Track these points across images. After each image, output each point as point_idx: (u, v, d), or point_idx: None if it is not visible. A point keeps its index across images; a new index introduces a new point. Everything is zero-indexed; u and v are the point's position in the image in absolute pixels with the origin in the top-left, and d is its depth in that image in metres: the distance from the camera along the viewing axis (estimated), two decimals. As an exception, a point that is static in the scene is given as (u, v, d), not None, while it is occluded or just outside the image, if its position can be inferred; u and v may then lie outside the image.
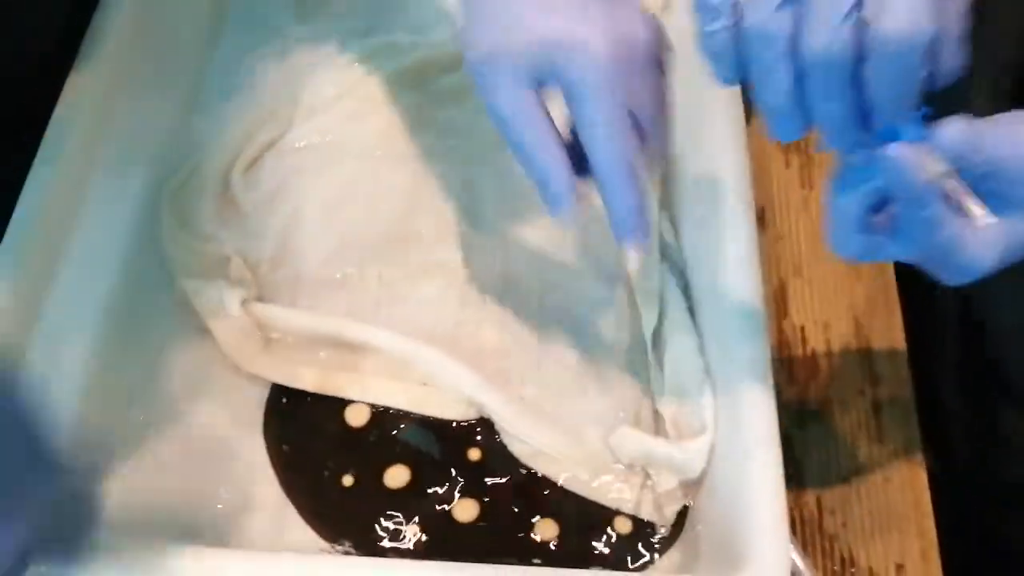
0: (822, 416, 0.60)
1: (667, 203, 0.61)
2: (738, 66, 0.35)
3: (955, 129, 0.34)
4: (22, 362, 0.49)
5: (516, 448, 0.53)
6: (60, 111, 0.55)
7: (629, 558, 0.50)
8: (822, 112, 0.34)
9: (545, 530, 0.51)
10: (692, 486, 0.52)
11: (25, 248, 0.51)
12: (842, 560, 0.55)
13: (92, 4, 0.59)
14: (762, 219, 0.64)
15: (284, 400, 0.55)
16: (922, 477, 0.58)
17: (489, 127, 0.62)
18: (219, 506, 0.51)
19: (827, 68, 0.33)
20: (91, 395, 0.52)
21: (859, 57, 0.32)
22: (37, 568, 0.39)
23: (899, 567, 0.55)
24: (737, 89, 0.56)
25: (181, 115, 0.63)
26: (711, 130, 0.57)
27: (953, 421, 0.64)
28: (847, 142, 0.35)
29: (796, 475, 0.48)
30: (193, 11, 0.68)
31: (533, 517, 0.51)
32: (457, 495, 0.51)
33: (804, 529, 0.45)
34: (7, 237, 0.51)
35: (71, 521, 0.48)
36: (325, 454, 0.52)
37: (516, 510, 0.51)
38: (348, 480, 0.52)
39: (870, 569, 0.55)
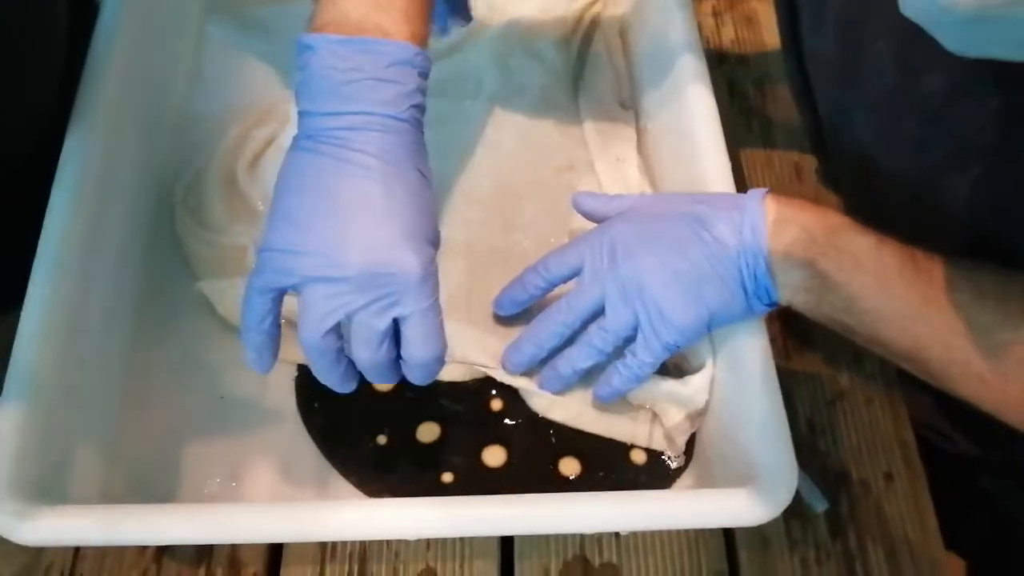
0: (805, 348, 0.65)
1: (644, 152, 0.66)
2: None
3: None
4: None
5: (533, 402, 0.57)
6: (70, 141, 0.56)
7: (648, 484, 0.55)
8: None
9: (568, 467, 0.55)
10: (698, 417, 0.57)
11: (59, 263, 0.53)
12: (836, 475, 0.61)
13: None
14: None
15: (313, 377, 0.58)
16: (898, 394, 0.64)
17: (477, 117, 0.67)
18: (263, 476, 0.55)
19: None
20: (127, 389, 0.56)
21: None
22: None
23: (887, 476, 0.61)
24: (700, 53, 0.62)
25: (179, 120, 0.66)
26: (679, 86, 0.63)
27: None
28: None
29: (787, 403, 0.53)
30: (183, 11, 0.71)
31: (556, 456, 0.56)
32: (485, 443, 0.56)
33: (800, 451, 0.50)
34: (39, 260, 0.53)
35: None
36: (358, 419, 0.56)
37: (540, 451, 0.56)
38: (383, 440, 0.56)
39: (861, 480, 0.61)
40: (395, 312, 0.46)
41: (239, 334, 0.49)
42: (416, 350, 0.47)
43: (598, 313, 0.54)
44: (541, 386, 0.56)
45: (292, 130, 0.65)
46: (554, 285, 0.56)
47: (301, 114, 0.47)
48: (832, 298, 0.49)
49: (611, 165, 0.65)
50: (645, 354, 0.52)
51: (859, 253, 0.48)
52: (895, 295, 0.47)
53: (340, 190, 0.45)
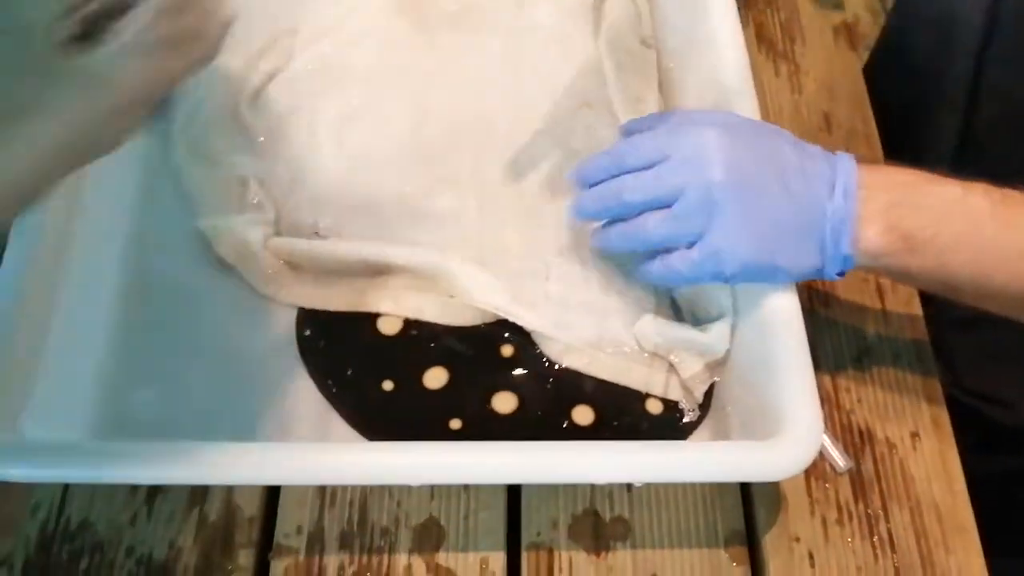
0: (830, 301, 0.63)
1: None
2: None
3: None
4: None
5: (546, 347, 0.55)
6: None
7: (663, 436, 0.53)
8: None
9: (582, 415, 0.53)
10: (717, 367, 0.54)
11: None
12: (860, 433, 0.58)
13: None
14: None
15: (315, 318, 0.56)
16: (928, 350, 0.61)
17: (492, 52, 0.64)
18: (263, 420, 0.53)
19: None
20: (121, 327, 0.53)
21: None
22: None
23: (913, 435, 0.58)
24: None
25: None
26: (707, 28, 0.60)
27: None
28: None
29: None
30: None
31: (569, 404, 0.53)
32: (496, 389, 0.53)
33: (822, 407, 0.48)
34: None
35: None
36: (363, 363, 0.54)
37: (553, 399, 0.53)
38: (388, 385, 0.53)
39: (887, 439, 0.58)
40: None
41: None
42: None
43: (664, 204, 0.48)
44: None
45: (297, 63, 0.64)
46: (625, 171, 0.50)
47: None
48: (921, 260, 0.46)
49: (630, 104, 0.62)
50: (698, 258, 0.48)
51: (944, 206, 0.45)
52: (990, 238, 0.44)
53: None
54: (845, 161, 0.48)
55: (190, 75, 0.38)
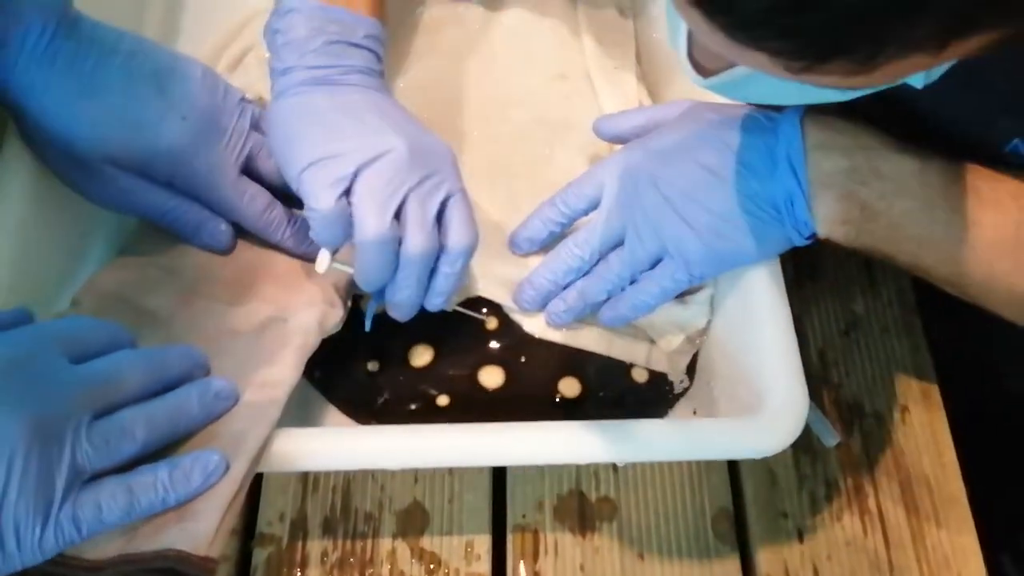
0: (817, 274, 0.62)
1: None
2: None
3: None
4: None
5: (528, 325, 0.54)
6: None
7: (652, 402, 0.53)
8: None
9: (569, 387, 0.52)
10: (699, 336, 0.53)
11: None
12: (849, 407, 0.57)
13: None
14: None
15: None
16: (917, 323, 0.60)
17: (470, 22, 0.63)
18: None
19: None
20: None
21: None
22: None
23: (903, 408, 0.58)
24: None
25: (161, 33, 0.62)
26: None
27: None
28: None
29: (798, 332, 0.49)
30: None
31: (556, 376, 0.52)
32: (482, 364, 0.52)
33: (811, 383, 0.47)
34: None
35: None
36: (347, 345, 0.52)
37: (539, 372, 0.52)
38: (373, 366, 0.52)
39: (876, 413, 0.57)
40: (443, 191, 0.47)
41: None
42: (460, 233, 0.47)
43: (617, 245, 0.51)
44: (549, 320, 0.53)
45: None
46: (573, 220, 0.53)
47: (284, 70, 0.49)
48: (873, 227, 0.45)
49: (607, 73, 0.60)
50: (668, 282, 0.49)
51: (902, 178, 0.44)
52: (938, 220, 0.44)
53: (352, 104, 0.48)
54: (788, 122, 0.47)
55: None
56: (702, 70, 0.37)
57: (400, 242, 0.46)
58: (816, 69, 0.29)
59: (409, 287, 0.47)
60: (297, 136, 0.47)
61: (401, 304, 0.48)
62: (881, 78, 0.29)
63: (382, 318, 0.51)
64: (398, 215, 0.45)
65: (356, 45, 0.49)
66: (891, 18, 0.26)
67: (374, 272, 0.46)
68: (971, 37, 0.28)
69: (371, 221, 0.45)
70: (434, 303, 0.49)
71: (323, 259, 0.48)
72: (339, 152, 0.45)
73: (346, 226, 0.45)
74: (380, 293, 0.49)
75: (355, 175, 0.45)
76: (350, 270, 0.48)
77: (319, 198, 0.45)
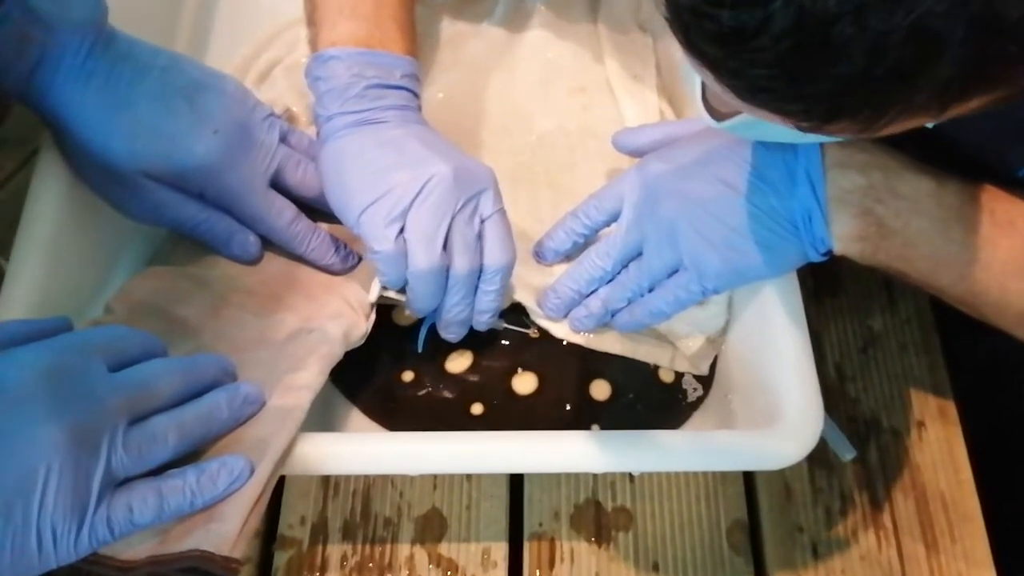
0: (836, 290, 0.62)
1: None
2: None
3: None
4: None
5: (555, 330, 0.55)
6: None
7: (682, 403, 0.54)
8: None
9: (599, 390, 0.53)
10: (719, 338, 0.54)
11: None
12: (865, 423, 0.58)
13: None
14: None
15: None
16: (935, 340, 0.60)
17: (492, 36, 0.63)
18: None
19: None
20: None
21: None
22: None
23: (919, 424, 0.58)
24: None
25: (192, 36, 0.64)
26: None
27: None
28: None
29: (816, 347, 0.50)
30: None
31: (586, 380, 0.53)
32: (516, 371, 0.54)
33: (828, 397, 0.47)
34: None
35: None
36: (381, 355, 0.54)
37: (570, 376, 0.54)
38: (408, 376, 0.53)
39: (892, 429, 0.58)
40: (482, 212, 0.49)
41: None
42: (495, 252, 0.49)
43: (637, 255, 0.52)
44: (573, 326, 0.54)
45: (301, 51, 0.64)
46: (595, 231, 0.54)
47: (328, 117, 0.51)
48: (888, 245, 0.45)
49: (628, 84, 0.61)
50: (683, 293, 0.50)
51: (918, 197, 0.45)
52: (953, 240, 0.44)
53: (395, 138, 0.50)
54: (807, 145, 0.47)
55: None
56: (716, 113, 0.39)
57: (448, 268, 0.48)
58: (824, 129, 0.30)
59: (458, 308, 0.50)
60: (349, 180, 0.49)
61: (451, 323, 0.50)
62: (889, 132, 0.31)
63: (415, 329, 0.53)
64: (445, 243, 0.48)
65: (394, 87, 0.51)
66: (888, 88, 0.28)
67: (426, 300, 0.49)
68: (970, 100, 0.29)
69: (422, 256, 0.47)
70: (480, 322, 0.51)
71: (375, 289, 0.50)
72: (389, 188, 0.47)
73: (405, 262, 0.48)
74: (431, 314, 0.51)
75: (407, 210, 0.47)
76: (402, 298, 0.50)
77: (379, 240, 0.47)
